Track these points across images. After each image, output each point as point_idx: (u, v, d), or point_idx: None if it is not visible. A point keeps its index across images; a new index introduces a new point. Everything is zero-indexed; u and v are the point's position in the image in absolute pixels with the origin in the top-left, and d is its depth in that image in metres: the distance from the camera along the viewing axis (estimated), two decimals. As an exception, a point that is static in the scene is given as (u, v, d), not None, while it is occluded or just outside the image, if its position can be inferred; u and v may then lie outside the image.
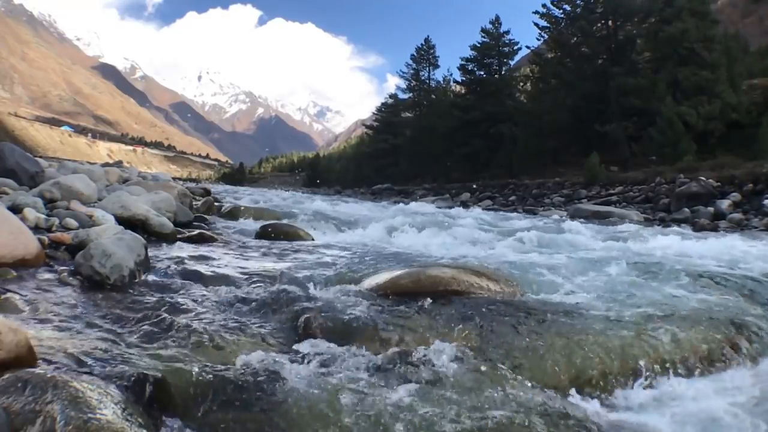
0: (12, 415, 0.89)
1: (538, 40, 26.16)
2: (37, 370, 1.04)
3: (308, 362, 1.45)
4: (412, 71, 36.75)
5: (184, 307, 1.81)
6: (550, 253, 3.59)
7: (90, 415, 0.91)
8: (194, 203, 5.83)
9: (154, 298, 1.87)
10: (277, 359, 1.40)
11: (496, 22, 28.45)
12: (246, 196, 12.46)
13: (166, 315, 1.69)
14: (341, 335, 1.67)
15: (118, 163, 25.47)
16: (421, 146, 29.88)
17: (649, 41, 20.16)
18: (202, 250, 3.08)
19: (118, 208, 3.22)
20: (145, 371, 1.17)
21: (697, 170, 12.16)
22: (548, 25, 24.60)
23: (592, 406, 1.41)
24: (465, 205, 16.69)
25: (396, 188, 27.36)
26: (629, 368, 1.60)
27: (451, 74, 35.36)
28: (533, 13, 24.89)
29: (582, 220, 8.32)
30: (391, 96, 39.75)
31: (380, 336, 1.69)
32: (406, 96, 37.92)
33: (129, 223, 3.14)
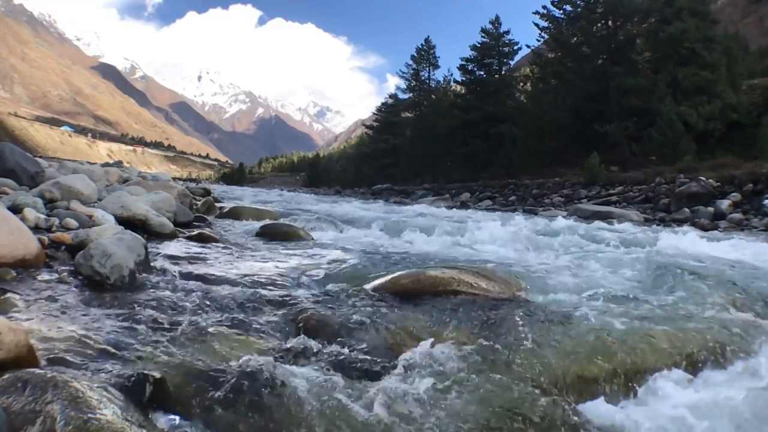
0: (12, 415, 0.89)
1: (539, 40, 26.18)
2: (37, 370, 1.04)
3: (308, 362, 1.45)
4: (412, 71, 36.73)
5: (183, 307, 1.82)
6: (549, 254, 3.59)
7: (90, 415, 0.91)
8: (194, 203, 5.83)
9: (154, 298, 1.87)
10: (276, 359, 1.40)
11: (496, 22, 28.44)
12: (244, 196, 12.46)
13: (166, 315, 1.69)
14: (341, 335, 1.67)
15: (118, 163, 25.43)
16: (421, 146, 29.86)
17: (649, 41, 20.15)
18: (202, 250, 3.08)
19: (118, 208, 3.22)
20: (145, 371, 1.17)
21: (697, 170, 12.15)
22: (548, 25, 24.60)
23: (592, 407, 1.40)
24: (465, 205, 16.69)
25: (396, 188, 27.34)
26: (630, 369, 1.60)
27: (451, 74, 35.34)
28: (533, 13, 24.91)
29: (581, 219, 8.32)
30: (391, 96, 39.73)
31: (380, 336, 1.69)
32: (406, 96, 37.89)
33: (129, 223, 3.14)
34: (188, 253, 2.89)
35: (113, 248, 2.02)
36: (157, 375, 1.17)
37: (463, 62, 28.96)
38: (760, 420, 1.29)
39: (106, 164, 17.37)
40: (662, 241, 4.45)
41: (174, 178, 18.70)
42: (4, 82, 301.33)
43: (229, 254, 3.03)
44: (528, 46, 27.90)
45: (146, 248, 2.28)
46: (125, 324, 1.58)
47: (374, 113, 41.74)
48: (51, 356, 1.23)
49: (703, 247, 4.16)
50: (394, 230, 4.88)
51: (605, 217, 9.41)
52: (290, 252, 3.28)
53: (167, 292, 1.98)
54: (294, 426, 1.13)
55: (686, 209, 9.99)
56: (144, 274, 2.14)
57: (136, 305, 1.77)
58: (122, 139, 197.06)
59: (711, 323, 1.95)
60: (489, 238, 4.51)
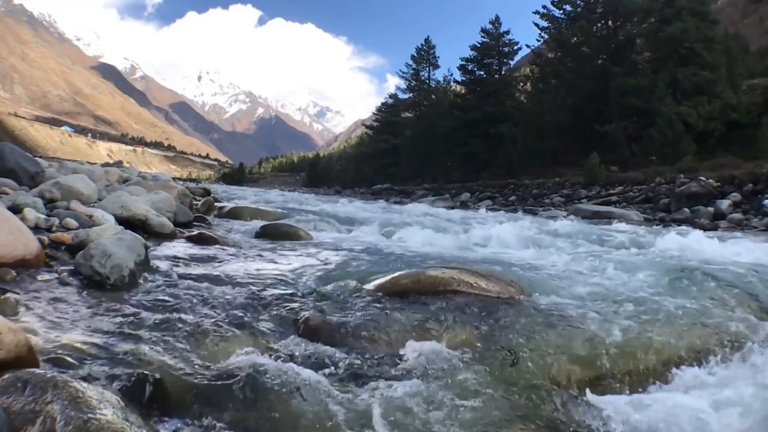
0: (12, 415, 0.89)
1: (539, 40, 26.20)
2: (37, 370, 1.04)
3: (308, 362, 1.45)
4: (412, 71, 36.71)
5: (183, 307, 1.81)
6: (553, 254, 3.59)
7: (90, 415, 0.91)
8: (194, 203, 5.83)
9: (154, 298, 1.87)
10: (276, 359, 1.40)
11: (496, 22, 28.44)
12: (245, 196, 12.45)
13: (165, 315, 1.69)
14: (341, 335, 1.67)
15: (118, 163, 25.42)
16: (421, 146, 29.86)
17: (649, 41, 20.15)
18: (202, 250, 3.08)
19: (118, 208, 3.22)
20: (145, 371, 1.17)
21: (697, 170, 12.15)
22: (548, 25, 24.61)
23: (590, 406, 1.40)
24: (465, 205, 16.69)
25: (396, 188, 27.35)
26: (628, 368, 1.60)
27: (451, 74, 35.34)
28: (533, 13, 24.92)
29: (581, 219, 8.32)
30: (391, 96, 39.72)
31: (380, 336, 1.69)
32: (406, 96, 37.89)
33: (129, 223, 3.14)
34: (188, 253, 2.89)
35: (113, 248, 2.01)
36: (157, 375, 1.17)
37: (463, 62, 28.97)
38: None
39: (106, 164, 17.35)
40: (669, 242, 4.41)
41: (174, 178, 18.67)
42: (4, 82, 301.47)
43: (229, 254, 3.03)
44: (528, 46, 27.95)
45: (146, 248, 2.28)
46: (125, 324, 1.58)
47: (374, 113, 41.73)
48: (51, 356, 1.23)
49: (711, 248, 4.12)
50: (394, 230, 4.87)
51: (605, 217, 9.41)
52: (290, 252, 3.28)
53: (167, 293, 1.98)
54: (294, 425, 1.13)
55: (686, 209, 9.99)
56: (144, 274, 2.14)
57: (136, 305, 1.77)
58: (122, 139, 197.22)
59: (726, 324, 1.95)
60: (493, 238, 4.51)
